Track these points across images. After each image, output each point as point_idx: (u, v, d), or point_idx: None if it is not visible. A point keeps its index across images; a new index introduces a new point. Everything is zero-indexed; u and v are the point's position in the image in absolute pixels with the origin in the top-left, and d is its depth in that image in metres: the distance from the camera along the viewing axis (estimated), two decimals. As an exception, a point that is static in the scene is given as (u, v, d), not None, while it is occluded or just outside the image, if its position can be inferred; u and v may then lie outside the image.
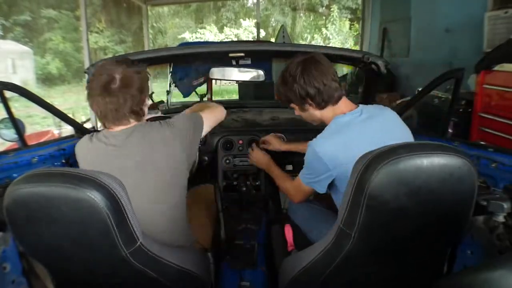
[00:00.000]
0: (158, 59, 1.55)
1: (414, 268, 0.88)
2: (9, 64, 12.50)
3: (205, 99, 4.02)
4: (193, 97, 4.10)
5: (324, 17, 13.32)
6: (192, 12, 14.42)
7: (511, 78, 2.30)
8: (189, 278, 0.96)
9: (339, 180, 1.04)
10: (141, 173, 1.01)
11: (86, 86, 1.05)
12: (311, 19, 14.10)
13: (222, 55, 1.53)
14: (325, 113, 1.12)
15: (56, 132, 3.22)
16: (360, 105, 1.12)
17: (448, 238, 0.83)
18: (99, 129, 1.85)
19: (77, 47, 12.35)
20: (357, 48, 7.18)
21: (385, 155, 0.67)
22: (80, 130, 1.50)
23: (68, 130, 2.61)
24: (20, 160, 1.17)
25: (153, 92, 4.08)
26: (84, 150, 1.06)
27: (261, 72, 1.84)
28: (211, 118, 1.25)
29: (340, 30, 12.52)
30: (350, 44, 12.08)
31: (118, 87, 0.99)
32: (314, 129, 1.79)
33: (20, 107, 6.32)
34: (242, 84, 4.15)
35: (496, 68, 2.43)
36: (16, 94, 1.26)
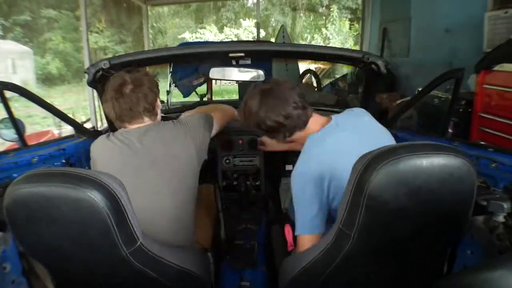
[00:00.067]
0: (158, 59, 1.55)
1: (414, 268, 0.88)
2: (9, 64, 12.49)
3: (205, 99, 4.03)
4: (193, 97, 4.10)
5: (324, 17, 13.32)
6: (192, 12, 14.41)
7: (511, 78, 2.30)
8: (189, 278, 0.96)
9: (334, 187, 0.99)
10: (155, 171, 1.04)
11: (99, 95, 1.17)
12: (311, 19, 14.09)
13: (222, 55, 1.53)
14: (300, 135, 1.09)
15: (56, 132, 3.22)
16: (333, 117, 1.08)
17: (448, 238, 0.83)
18: (99, 129, 1.85)
19: (77, 47, 12.33)
20: (357, 48, 7.18)
21: (385, 155, 0.67)
22: (80, 130, 1.50)
23: (68, 130, 2.61)
24: (20, 160, 1.17)
25: (153, 92, 4.09)
26: (99, 150, 1.10)
27: (261, 72, 1.84)
28: (221, 118, 1.29)
29: (340, 30, 12.52)
30: (350, 44, 12.08)
31: (130, 89, 1.06)
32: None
33: (20, 107, 6.31)
34: (242, 84, 4.14)
35: (496, 68, 2.43)
36: (16, 94, 1.27)
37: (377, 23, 5.75)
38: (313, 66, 5.60)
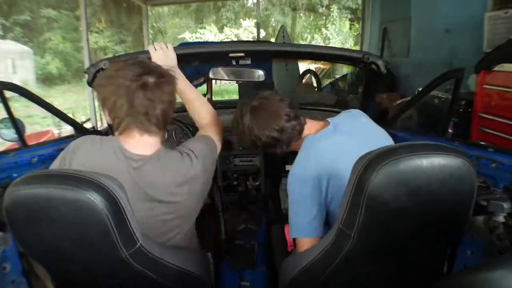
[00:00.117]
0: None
1: (414, 268, 0.88)
2: (9, 64, 12.49)
3: (204, 99, 4.03)
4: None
5: (324, 17, 13.32)
6: (192, 12, 14.41)
7: (511, 78, 2.30)
8: (189, 278, 0.95)
9: (333, 188, 0.99)
10: (153, 205, 0.92)
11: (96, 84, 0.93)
12: (311, 19, 14.09)
13: (222, 55, 1.53)
14: (293, 147, 1.09)
15: (56, 132, 3.22)
16: (330, 121, 1.07)
17: (448, 238, 0.83)
18: (99, 129, 1.85)
19: (77, 47, 12.33)
20: (357, 48, 7.18)
21: (385, 155, 0.67)
22: (80, 130, 1.50)
23: (68, 130, 2.61)
24: (20, 160, 1.17)
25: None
26: (88, 156, 0.89)
27: (261, 72, 1.84)
28: (219, 140, 1.17)
29: (340, 30, 12.52)
30: (350, 44, 12.08)
31: (153, 82, 0.86)
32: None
33: (20, 107, 6.30)
34: (242, 84, 4.14)
35: (496, 68, 2.43)
36: (16, 94, 1.27)
37: (377, 23, 5.75)
38: (313, 66, 5.61)
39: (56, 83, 13.10)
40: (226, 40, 13.35)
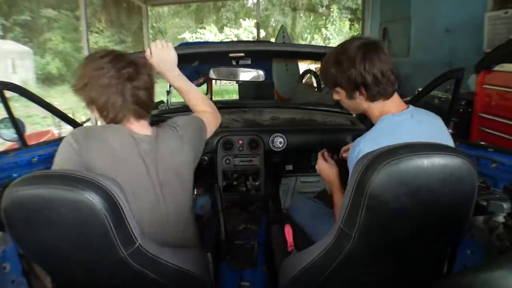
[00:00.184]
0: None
1: (414, 268, 0.88)
2: (9, 64, 12.50)
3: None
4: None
5: (324, 17, 13.33)
6: (192, 12, 14.42)
7: (511, 78, 2.31)
8: (189, 278, 0.95)
9: None
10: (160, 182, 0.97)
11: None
12: (311, 19, 14.10)
13: (222, 55, 1.53)
14: (373, 107, 1.01)
15: (56, 132, 3.22)
16: (411, 106, 1.04)
17: (448, 238, 0.83)
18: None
19: (77, 47, 12.34)
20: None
21: (385, 156, 0.67)
22: (80, 130, 1.50)
23: (68, 130, 2.61)
24: (20, 160, 1.17)
25: (153, 92, 4.09)
26: (103, 140, 0.90)
27: (261, 72, 1.84)
28: (211, 124, 1.20)
29: (340, 30, 12.54)
30: (350, 44, 12.07)
31: (134, 71, 0.93)
32: (315, 129, 1.81)
33: (20, 107, 6.31)
34: (242, 84, 4.15)
35: (496, 68, 2.43)
36: (16, 94, 1.26)
37: (377, 23, 5.76)
38: (313, 66, 5.61)
39: (56, 83, 13.11)
40: (226, 40, 13.35)
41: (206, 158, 1.77)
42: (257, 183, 1.79)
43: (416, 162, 0.66)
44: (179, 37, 13.82)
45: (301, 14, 13.77)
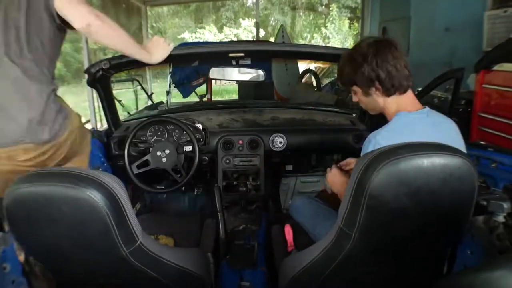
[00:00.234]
0: (157, 59, 1.55)
1: (414, 268, 0.88)
2: (9, 64, 12.46)
3: (204, 99, 4.03)
4: (193, 97, 4.11)
5: (323, 16, 13.31)
6: (192, 12, 14.39)
7: (511, 77, 2.30)
8: (189, 277, 0.96)
9: None
10: None
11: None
12: (311, 18, 14.08)
13: (222, 55, 1.53)
14: (389, 102, 1.02)
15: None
16: (427, 107, 1.04)
17: (448, 238, 0.83)
18: (99, 130, 1.85)
19: (76, 47, 12.30)
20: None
21: (385, 155, 0.67)
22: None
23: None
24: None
25: (152, 93, 4.10)
26: None
27: (261, 72, 1.84)
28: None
29: (339, 29, 12.51)
30: (349, 43, 12.06)
31: None
32: (315, 130, 1.82)
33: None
34: (242, 84, 4.15)
35: (496, 67, 2.43)
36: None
37: (377, 22, 5.76)
38: (312, 65, 5.61)
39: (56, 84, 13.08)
40: (225, 40, 13.34)
41: (206, 158, 1.77)
42: (257, 183, 1.79)
43: (416, 162, 0.66)
44: (179, 37, 13.80)
45: (301, 13, 13.75)
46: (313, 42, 13.01)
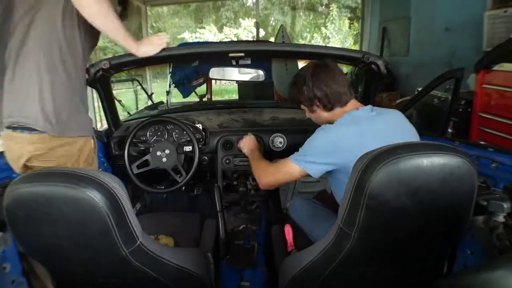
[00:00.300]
0: (157, 59, 1.55)
1: (414, 268, 0.88)
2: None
3: (204, 99, 4.03)
4: (193, 97, 4.11)
5: (323, 16, 13.30)
6: (192, 12, 14.37)
7: (511, 77, 2.30)
8: (189, 277, 0.96)
9: (346, 172, 1.01)
10: None
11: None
12: (311, 18, 14.06)
13: (222, 55, 1.53)
14: (334, 114, 1.15)
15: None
16: (370, 105, 1.14)
17: (448, 238, 0.83)
18: (99, 130, 1.85)
19: (76, 47, 12.29)
20: (357, 47, 7.17)
21: (385, 155, 0.67)
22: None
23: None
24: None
25: (152, 93, 4.10)
26: None
27: (261, 72, 1.84)
28: None
29: (339, 29, 12.50)
30: (349, 43, 12.06)
31: None
32: (314, 129, 1.81)
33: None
34: (242, 84, 4.14)
35: (496, 67, 2.43)
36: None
37: (377, 22, 5.75)
38: (312, 65, 5.58)
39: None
40: (225, 39, 13.33)
41: (206, 158, 1.77)
42: (257, 183, 1.79)
43: (416, 162, 0.66)
44: (179, 37, 13.78)
45: (301, 13, 13.73)
46: (313, 42, 13.00)
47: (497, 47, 2.56)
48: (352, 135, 1.02)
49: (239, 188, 1.78)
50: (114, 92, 1.72)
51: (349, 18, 12.70)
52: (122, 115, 2.35)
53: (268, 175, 1.22)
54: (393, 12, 5.24)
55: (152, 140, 1.74)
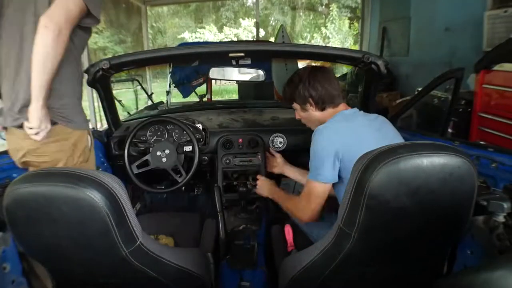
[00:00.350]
0: (157, 59, 1.55)
1: (414, 268, 0.88)
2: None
3: (204, 99, 4.03)
4: (193, 97, 4.11)
5: (323, 16, 13.30)
6: (192, 12, 14.38)
7: (511, 77, 2.30)
8: (190, 277, 0.96)
9: (344, 169, 1.08)
10: None
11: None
12: (311, 18, 14.06)
13: (222, 55, 1.53)
14: (325, 114, 1.21)
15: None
16: (355, 108, 1.23)
17: (448, 238, 0.83)
18: (99, 130, 1.85)
19: (76, 47, 12.28)
20: (357, 47, 7.17)
21: (385, 155, 0.67)
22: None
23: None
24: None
25: (152, 93, 4.10)
26: None
27: (261, 72, 1.84)
28: None
29: (339, 29, 12.50)
30: (349, 43, 12.07)
31: None
32: (314, 130, 1.81)
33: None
34: (242, 84, 4.14)
35: (496, 67, 2.43)
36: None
37: (377, 22, 5.75)
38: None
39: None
40: (225, 39, 13.33)
41: (206, 158, 1.77)
42: (257, 183, 1.79)
43: (416, 162, 0.66)
44: (179, 36, 13.79)
45: (301, 13, 13.73)
46: (313, 42, 13.00)
47: (497, 47, 2.56)
48: (345, 129, 1.10)
49: (239, 188, 1.78)
50: (114, 92, 1.71)
51: (349, 18, 12.70)
52: (122, 115, 2.35)
53: (305, 211, 1.16)
54: (393, 12, 5.24)
55: (152, 140, 1.74)
